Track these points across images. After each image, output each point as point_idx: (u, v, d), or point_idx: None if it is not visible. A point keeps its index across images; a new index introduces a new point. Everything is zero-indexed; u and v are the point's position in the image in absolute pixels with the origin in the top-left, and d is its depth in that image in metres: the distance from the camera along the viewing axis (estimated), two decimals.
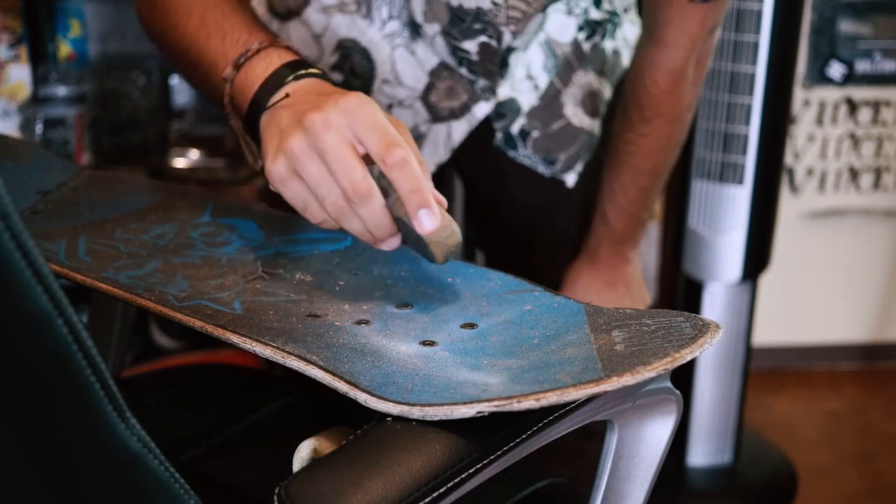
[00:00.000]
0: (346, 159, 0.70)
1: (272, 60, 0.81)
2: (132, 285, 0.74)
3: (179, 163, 1.77)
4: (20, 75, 1.69)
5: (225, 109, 0.84)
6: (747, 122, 1.51)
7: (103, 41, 1.85)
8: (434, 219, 0.70)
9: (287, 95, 0.78)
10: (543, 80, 1.11)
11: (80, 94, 1.76)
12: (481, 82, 1.09)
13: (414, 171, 0.70)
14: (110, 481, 0.55)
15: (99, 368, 0.51)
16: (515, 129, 1.13)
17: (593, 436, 0.77)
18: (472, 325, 0.70)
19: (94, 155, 1.80)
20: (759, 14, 1.46)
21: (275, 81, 0.79)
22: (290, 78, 0.79)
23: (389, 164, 0.70)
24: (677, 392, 0.70)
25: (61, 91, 1.73)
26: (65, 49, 1.79)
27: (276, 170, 0.72)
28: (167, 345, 1.82)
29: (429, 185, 0.71)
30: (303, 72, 0.80)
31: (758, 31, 1.47)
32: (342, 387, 0.62)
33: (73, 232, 0.83)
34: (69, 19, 1.78)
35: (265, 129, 0.77)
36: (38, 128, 1.72)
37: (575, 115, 1.13)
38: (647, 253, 2.13)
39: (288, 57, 0.82)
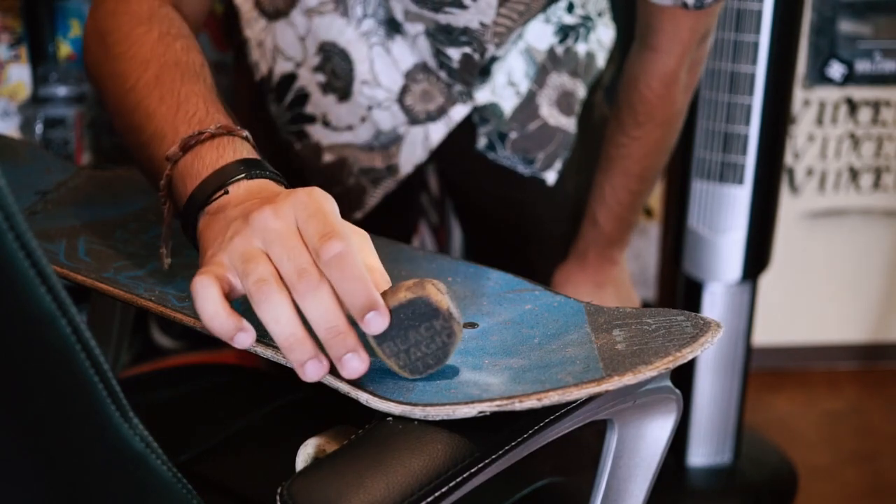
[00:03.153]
0: (292, 244, 0.60)
1: (225, 151, 0.70)
2: (132, 285, 0.74)
3: None
4: (20, 75, 1.69)
5: (160, 191, 0.72)
6: (747, 122, 1.51)
7: None
8: (384, 321, 0.59)
9: (226, 192, 0.67)
10: (525, 86, 1.13)
11: (80, 94, 1.76)
12: (458, 87, 1.10)
13: (356, 268, 0.58)
14: (113, 482, 0.55)
15: (102, 369, 0.51)
16: (493, 132, 1.14)
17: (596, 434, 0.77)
18: (472, 325, 0.70)
19: (94, 155, 1.80)
20: (759, 14, 1.46)
21: (223, 176, 0.68)
22: (242, 176, 0.68)
23: (324, 259, 0.58)
24: (677, 391, 0.70)
25: (61, 91, 1.73)
26: (65, 49, 1.79)
27: (208, 272, 0.61)
28: (167, 345, 1.82)
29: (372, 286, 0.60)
30: (257, 172, 0.69)
31: (758, 31, 1.47)
32: (344, 387, 0.62)
33: (72, 232, 0.83)
34: (69, 19, 1.78)
35: (208, 226, 0.66)
36: (38, 128, 1.72)
37: (551, 115, 1.15)
38: (647, 253, 2.13)
39: (244, 151, 0.70)
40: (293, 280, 0.59)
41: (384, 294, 0.61)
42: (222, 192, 0.67)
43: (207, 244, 0.65)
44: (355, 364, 0.59)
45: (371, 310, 0.59)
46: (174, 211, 0.72)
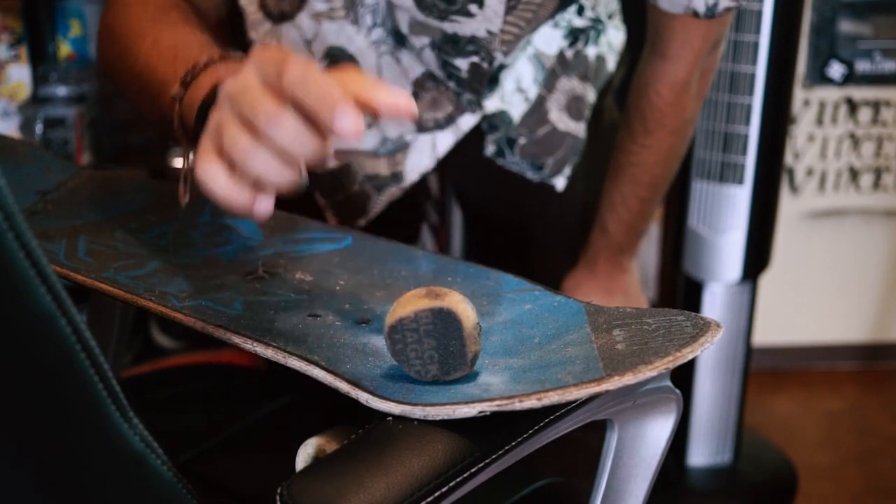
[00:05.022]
0: (250, 94, 0.60)
1: (220, 73, 0.72)
2: (132, 285, 0.74)
3: (179, 163, 1.77)
4: (20, 75, 1.69)
5: (176, 134, 0.75)
6: (747, 122, 1.51)
7: None
8: (356, 118, 0.58)
9: (217, 92, 0.67)
10: (533, 92, 1.12)
11: (80, 94, 1.76)
12: (467, 96, 1.09)
13: (318, 81, 0.59)
14: (113, 481, 0.55)
15: (102, 369, 0.51)
16: (502, 138, 1.14)
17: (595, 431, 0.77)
18: None
19: (94, 155, 1.80)
20: (759, 14, 1.46)
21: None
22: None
23: (287, 82, 0.59)
24: (677, 391, 0.70)
25: (61, 91, 1.73)
26: (65, 49, 1.79)
27: (200, 152, 0.63)
28: (167, 345, 1.82)
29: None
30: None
31: (758, 31, 1.47)
32: (344, 387, 0.62)
33: (72, 232, 0.83)
34: (69, 19, 1.78)
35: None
36: (38, 128, 1.72)
37: (560, 119, 1.14)
38: (647, 253, 2.12)
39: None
40: (253, 117, 0.59)
41: (404, 300, 0.61)
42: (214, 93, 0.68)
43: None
44: (347, 124, 0.58)
45: (340, 109, 0.58)
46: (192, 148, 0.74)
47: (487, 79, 1.07)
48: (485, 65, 1.05)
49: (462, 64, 1.05)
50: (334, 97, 0.58)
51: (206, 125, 0.66)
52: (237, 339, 0.67)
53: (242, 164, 0.61)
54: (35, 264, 0.48)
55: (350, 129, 0.58)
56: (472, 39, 1.01)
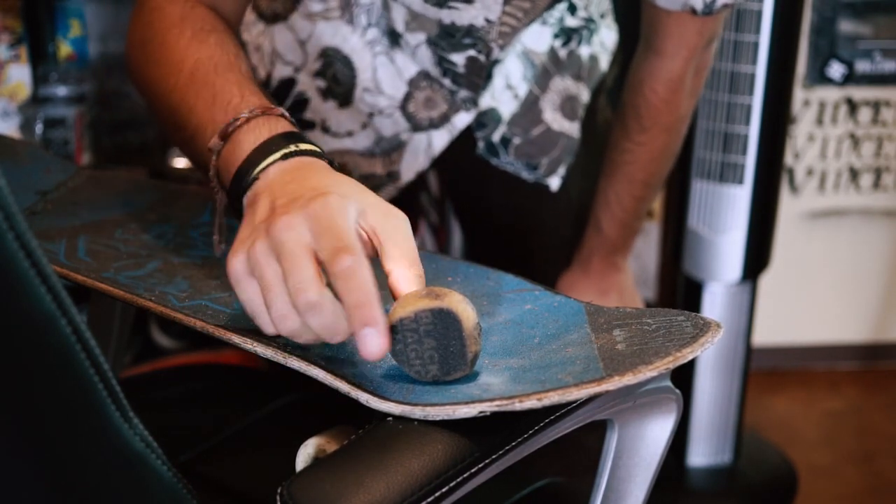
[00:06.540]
0: (297, 260, 0.61)
1: (261, 132, 0.72)
2: (132, 285, 0.74)
3: (179, 163, 1.77)
4: (20, 75, 1.69)
5: (211, 182, 0.75)
6: (747, 122, 1.51)
7: (103, 41, 1.85)
8: (380, 341, 0.60)
9: (255, 178, 0.69)
10: (523, 89, 1.12)
11: (80, 94, 1.75)
12: (463, 93, 1.09)
13: (362, 283, 0.60)
14: (114, 482, 0.55)
15: (102, 369, 0.51)
16: (497, 137, 1.14)
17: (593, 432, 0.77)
18: None
19: (94, 155, 1.80)
20: (759, 14, 1.46)
21: (260, 156, 0.70)
22: (278, 157, 0.69)
23: (334, 271, 0.60)
24: (677, 391, 0.70)
25: (61, 91, 1.73)
26: (65, 49, 1.79)
27: (234, 265, 0.64)
28: (167, 345, 1.82)
29: (379, 305, 0.61)
30: (294, 148, 0.70)
31: (758, 31, 1.47)
32: (344, 387, 0.62)
33: (72, 232, 0.83)
34: (69, 19, 1.78)
35: (246, 212, 0.68)
36: (38, 128, 1.72)
37: (554, 119, 1.14)
38: (646, 253, 2.12)
39: (279, 128, 0.72)
40: (294, 297, 0.61)
41: (404, 300, 0.61)
42: (255, 174, 0.69)
43: (239, 233, 0.67)
44: (369, 348, 0.61)
45: (368, 326, 0.60)
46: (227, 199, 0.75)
47: (485, 73, 1.07)
48: (482, 58, 1.05)
49: (458, 59, 1.05)
50: (371, 313, 0.60)
51: (249, 205, 0.67)
52: (237, 339, 0.67)
53: (265, 298, 0.63)
54: (35, 264, 0.48)
55: (371, 353, 0.60)
56: (470, 31, 1.01)
